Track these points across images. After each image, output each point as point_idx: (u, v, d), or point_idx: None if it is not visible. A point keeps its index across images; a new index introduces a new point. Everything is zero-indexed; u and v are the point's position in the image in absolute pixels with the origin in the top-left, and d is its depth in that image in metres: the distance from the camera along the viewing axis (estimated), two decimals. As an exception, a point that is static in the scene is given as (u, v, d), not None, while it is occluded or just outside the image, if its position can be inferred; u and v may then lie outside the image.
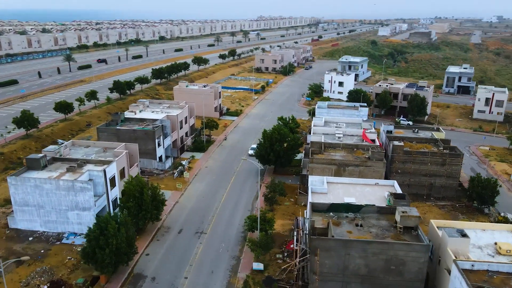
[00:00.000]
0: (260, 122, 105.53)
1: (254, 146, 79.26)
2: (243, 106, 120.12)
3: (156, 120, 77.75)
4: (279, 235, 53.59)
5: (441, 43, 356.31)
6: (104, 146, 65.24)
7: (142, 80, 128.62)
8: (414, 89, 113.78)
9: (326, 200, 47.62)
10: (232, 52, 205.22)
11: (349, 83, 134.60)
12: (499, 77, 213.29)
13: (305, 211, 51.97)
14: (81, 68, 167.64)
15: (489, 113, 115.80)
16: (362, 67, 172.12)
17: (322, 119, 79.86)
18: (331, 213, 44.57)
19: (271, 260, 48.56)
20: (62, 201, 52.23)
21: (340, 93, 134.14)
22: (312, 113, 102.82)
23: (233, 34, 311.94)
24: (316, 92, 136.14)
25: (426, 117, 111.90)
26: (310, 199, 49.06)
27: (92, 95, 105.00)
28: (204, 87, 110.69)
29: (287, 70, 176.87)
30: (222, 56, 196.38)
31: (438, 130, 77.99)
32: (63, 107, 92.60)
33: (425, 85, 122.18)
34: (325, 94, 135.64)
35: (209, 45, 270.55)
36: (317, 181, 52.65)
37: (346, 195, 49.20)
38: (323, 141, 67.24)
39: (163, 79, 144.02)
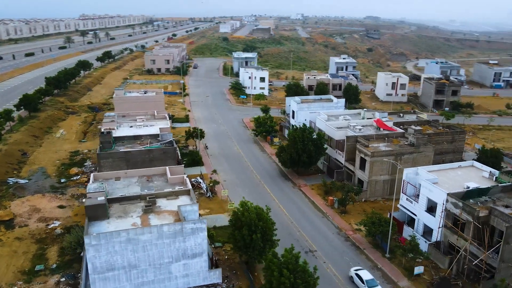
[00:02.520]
0: (219, 125, 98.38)
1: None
2: (187, 111, 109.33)
3: (156, 135, 65.15)
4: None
5: (280, 38, 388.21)
6: (144, 175, 51.80)
7: (42, 91, 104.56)
8: (342, 79, 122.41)
9: (438, 188, 47.74)
10: (108, 54, 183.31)
11: (267, 78, 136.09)
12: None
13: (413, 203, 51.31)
14: None
15: (395, 95, 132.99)
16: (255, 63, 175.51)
17: (323, 114, 79.20)
18: (470, 200, 45.64)
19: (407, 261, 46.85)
20: (164, 253, 39.69)
21: (262, 88, 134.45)
22: (283, 112, 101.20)
23: (83, 33, 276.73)
24: (238, 89, 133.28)
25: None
26: (423, 192, 49.12)
27: (7, 115, 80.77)
28: (145, 93, 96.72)
29: (184, 70, 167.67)
30: (100, 59, 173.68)
31: (414, 113, 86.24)
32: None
33: (344, 74, 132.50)
34: (247, 91, 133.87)
35: (60, 47, 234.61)
36: (412, 173, 52.67)
37: (449, 182, 50.53)
38: (356, 134, 67.14)
39: (61, 88, 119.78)
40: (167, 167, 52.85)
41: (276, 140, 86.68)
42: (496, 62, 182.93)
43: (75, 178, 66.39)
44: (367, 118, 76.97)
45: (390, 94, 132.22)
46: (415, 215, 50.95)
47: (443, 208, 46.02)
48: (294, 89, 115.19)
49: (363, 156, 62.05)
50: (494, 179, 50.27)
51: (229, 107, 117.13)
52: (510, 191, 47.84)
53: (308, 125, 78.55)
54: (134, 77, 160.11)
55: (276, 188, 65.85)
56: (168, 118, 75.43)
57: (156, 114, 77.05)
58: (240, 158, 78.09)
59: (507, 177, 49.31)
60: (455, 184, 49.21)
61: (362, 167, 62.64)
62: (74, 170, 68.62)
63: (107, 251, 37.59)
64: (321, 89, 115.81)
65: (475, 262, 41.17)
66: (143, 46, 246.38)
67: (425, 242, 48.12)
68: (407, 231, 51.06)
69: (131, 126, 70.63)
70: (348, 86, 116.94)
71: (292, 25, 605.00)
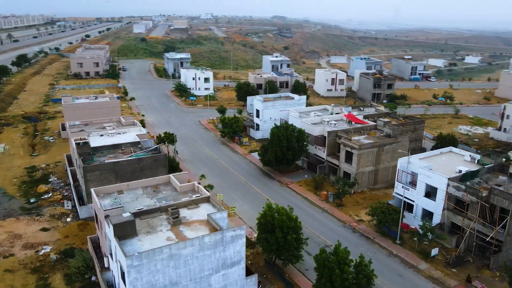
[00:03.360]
0: (178, 129, 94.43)
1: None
2: (141, 116, 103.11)
3: (137, 143, 61.04)
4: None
5: (198, 37, 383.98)
6: (147, 185, 48.14)
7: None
8: (289, 77, 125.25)
9: (438, 174, 51.48)
10: (24, 58, 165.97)
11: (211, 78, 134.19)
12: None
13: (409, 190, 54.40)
14: None
15: (335, 90, 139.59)
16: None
17: (295, 111, 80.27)
18: (467, 182, 49.90)
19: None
20: (205, 265, 37.46)
21: (207, 89, 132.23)
22: (239, 112, 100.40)
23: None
24: (183, 90, 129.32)
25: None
26: (422, 178, 52.62)
27: None
28: (96, 98, 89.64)
29: (116, 73, 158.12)
30: (16, 64, 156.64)
31: (371, 106, 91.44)
32: None
33: (289, 72, 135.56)
34: (193, 92, 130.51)
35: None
36: (404, 162, 55.85)
37: (441, 168, 54.65)
38: (336, 129, 69.36)
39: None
40: (171, 175, 49.73)
41: (245, 140, 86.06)
42: (410, 57, 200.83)
43: (46, 196, 59.36)
44: (336, 113, 79.92)
45: (330, 90, 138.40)
46: (413, 201, 54.31)
47: (446, 192, 49.72)
48: (245, 89, 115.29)
49: (349, 149, 64.36)
50: (476, 162, 55.50)
51: (180, 109, 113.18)
52: (494, 172, 53.38)
53: (278, 123, 79.50)
54: (61, 82, 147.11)
55: (265, 188, 65.49)
56: (137, 124, 70.77)
57: (124, 120, 71.95)
58: (215, 160, 76.19)
59: (488, 158, 54.78)
60: (446, 169, 53.26)
61: (348, 160, 64.93)
62: (43, 187, 61.37)
63: (149, 270, 34.37)
64: (270, 87, 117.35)
65: (487, 239, 45.13)
66: (57, 49, 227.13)
67: (418, 225, 51.41)
68: (409, 218, 54.19)
69: (101, 135, 65.19)
70: (296, 83, 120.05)
71: (206, 25, 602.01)
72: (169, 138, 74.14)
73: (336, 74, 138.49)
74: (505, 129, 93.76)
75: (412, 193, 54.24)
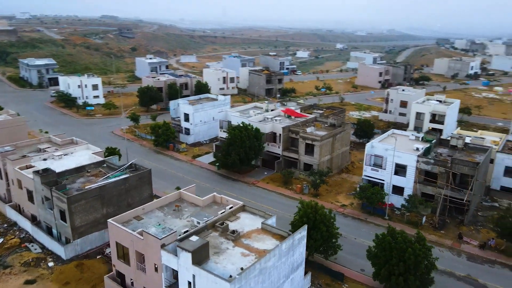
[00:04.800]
0: (95, 144, 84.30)
1: None
2: (44, 133, 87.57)
3: (101, 162, 53.71)
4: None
5: (32, 40, 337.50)
6: (162, 205, 43.43)
7: None
8: (188, 78, 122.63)
9: (408, 153, 59.43)
10: None
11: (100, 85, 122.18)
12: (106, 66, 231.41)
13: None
14: None
15: (226, 89, 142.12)
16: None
17: (234, 111, 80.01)
18: (429, 156, 58.88)
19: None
20: (281, 273, 36.56)
21: (97, 96, 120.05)
22: (154, 118, 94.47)
23: None
24: (69, 100, 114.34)
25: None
26: (391, 159, 59.88)
27: None
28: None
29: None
30: None
31: (290, 100, 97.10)
32: None
33: (183, 73, 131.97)
34: (80, 101, 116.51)
35: None
36: (380, 147, 61.74)
37: (398, 147, 62.81)
38: (286, 125, 72.37)
39: None
40: (181, 191, 45.88)
41: (183, 146, 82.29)
42: (275, 53, 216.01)
43: (-4, 243, 47.51)
44: (271, 110, 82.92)
45: (223, 88, 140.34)
46: (383, 181, 61.25)
47: (416, 167, 57.76)
48: (149, 93, 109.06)
49: (309, 142, 68.21)
50: (420, 139, 65.52)
51: (80, 122, 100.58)
52: (437, 146, 63.98)
53: (219, 125, 79.09)
54: None
55: (235, 190, 64.57)
56: (80, 143, 61.50)
57: (58, 140, 61.64)
58: (165, 171, 71.31)
59: (430, 136, 65.27)
60: (403, 149, 61.61)
61: (309, 152, 68.79)
62: (-14, 234, 48.72)
63: (246, 291, 32.21)
64: (174, 89, 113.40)
65: (464, 200, 54.30)
66: None
67: (404, 199, 58.95)
68: (392, 197, 60.59)
69: (44, 159, 55.08)
70: (199, 83, 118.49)
71: (29, 26, 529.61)
72: (115, 153, 66.29)
73: (227, 73, 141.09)
74: (390, 111, 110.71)
75: (382, 173, 61.14)
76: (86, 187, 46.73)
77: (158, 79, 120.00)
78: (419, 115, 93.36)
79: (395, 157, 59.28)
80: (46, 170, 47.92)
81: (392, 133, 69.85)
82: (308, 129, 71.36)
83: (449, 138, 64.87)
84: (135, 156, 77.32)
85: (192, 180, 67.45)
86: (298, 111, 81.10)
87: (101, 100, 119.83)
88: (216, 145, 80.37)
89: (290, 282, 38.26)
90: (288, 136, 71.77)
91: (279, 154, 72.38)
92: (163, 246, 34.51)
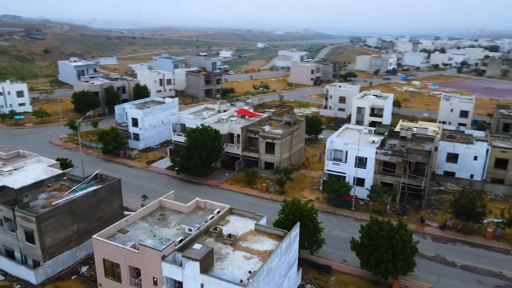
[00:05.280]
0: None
1: None
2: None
3: (61, 175, 49.78)
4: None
5: None
6: (143, 216, 41.37)
7: None
8: (125, 81, 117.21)
9: (368, 146, 62.77)
10: None
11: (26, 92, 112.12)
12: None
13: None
14: None
15: (164, 91, 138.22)
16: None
17: (187, 114, 78.05)
18: (384, 147, 62.76)
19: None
20: (282, 272, 36.81)
21: (22, 104, 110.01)
22: (95, 124, 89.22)
23: None
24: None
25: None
26: (352, 153, 62.83)
27: None
28: None
29: None
30: None
31: (237, 100, 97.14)
32: None
33: (118, 76, 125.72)
34: (5, 110, 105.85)
35: None
36: (340, 142, 64.08)
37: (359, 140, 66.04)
38: (244, 125, 72.49)
39: None
40: (161, 199, 44.08)
41: (135, 152, 78.63)
42: (206, 54, 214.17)
43: (-52, 275, 41.71)
44: (224, 111, 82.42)
45: (160, 91, 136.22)
46: (344, 174, 64.02)
47: (375, 159, 61.23)
48: (85, 98, 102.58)
49: (270, 141, 69.01)
50: (373, 132, 69.53)
51: (9, 133, 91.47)
52: (389, 138, 68.34)
53: (171, 128, 77.37)
54: None
55: (202, 194, 62.89)
56: (30, 155, 56.17)
57: (3, 153, 55.76)
58: (124, 181, 67.33)
59: (382, 129, 69.52)
60: (360, 142, 64.94)
61: (270, 151, 69.59)
62: None
63: (257, 294, 32.00)
64: (112, 94, 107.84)
65: (422, 186, 58.59)
66: None
67: (366, 189, 62.17)
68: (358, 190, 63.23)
69: (-6, 176, 49.68)
70: (137, 86, 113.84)
71: None
72: (67, 164, 61.45)
73: (163, 75, 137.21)
74: (330, 107, 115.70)
75: (343, 167, 63.86)
76: (53, 203, 42.94)
77: (93, 83, 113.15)
78: (360, 110, 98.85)
79: (355, 150, 62.25)
80: (3, 188, 43.33)
81: (346, 127, 73.18)
82: (265, 128, 72.13)
83: (399, 130, 69.57)
84: (84, 165, 72.43)
85: (153, 187, 64.97)
86: (251, 110, 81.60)
87: (28, 108, 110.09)
88: (170, 149, 78.09)
89: (287, 280, 38.71)
90: (247, 136, 71.96)
91: (239, 155, 72.30)
92: (163, 257, 32.99)
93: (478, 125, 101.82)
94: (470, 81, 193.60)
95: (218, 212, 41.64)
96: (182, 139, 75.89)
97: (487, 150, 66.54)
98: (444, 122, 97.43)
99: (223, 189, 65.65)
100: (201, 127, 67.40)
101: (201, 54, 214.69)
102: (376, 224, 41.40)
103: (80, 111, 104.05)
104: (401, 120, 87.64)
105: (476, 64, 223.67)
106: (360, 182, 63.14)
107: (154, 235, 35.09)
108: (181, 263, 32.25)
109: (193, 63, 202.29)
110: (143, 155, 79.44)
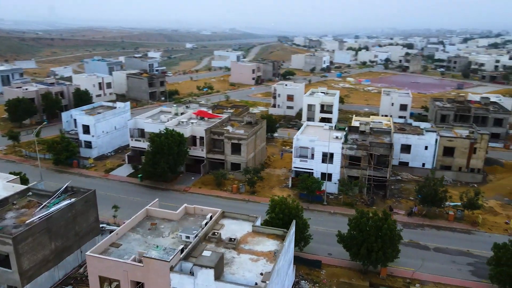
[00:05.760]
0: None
1: None
2: None
3: (25, 191, 45.79)
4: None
5: None
6: (132, 227, 39.36)
7: None
8: (64, 86, 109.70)
9: (335, 142, 65.04)
10: None
11: None
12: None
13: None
14: None
15: (104, 95, 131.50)
16: None
17: (145, 118, 74.99)
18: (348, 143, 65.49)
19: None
20: (285, 270, 37.06)
21: None
22: (37, 134, 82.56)
23: None
24: None
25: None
26: (318, 149, 64.79)
27: None
28: None
29: None
30: None
31: (190, 102, 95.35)
32: None
33: (53, 81, 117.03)
34: None
35: None
36: (305, 139, 65.41)
37: (322, 136, 68.07)
38: (207, 127, 71.49)
39: None
40: (148, 207, 42.21)
41: (90, 161, 74.03)
42: (140, 55, 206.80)
43: None
44: (181, 113, 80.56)
45: (100, 95, 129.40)
46: (312, 170, 65.74)
47: (342, 154, 63.64)
48: (21, 106, 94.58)
49: (236, 141, 68.77)
50: (333, 128, 72.17)
51: None
52: (350, 132, 71.34)
53: (129, 134, 74.62)
54: None
55: (172, 200, 61.25)
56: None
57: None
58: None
59: (342, 124, 72.38)
60: (323, 138, 67.09)
61: (236, 151, 69.33)
62: None
63: None
64: (52, 100, 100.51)
65: (388, 177, 61.91)
66: None
67: (334, 183, 64.36)
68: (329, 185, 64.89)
69: None
70: (77, 91, 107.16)
71: None
72: (22, 178, 56.27)
73: (103, 79, 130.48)
74: (279, 105, 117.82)
75: (311, 163, 65.56)
76: (26, 222, 39.28)
77: (26, 89, 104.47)
78: (310, 107, 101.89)
79: (321, 146, 64.21)
80: (-32, 209, 38.78)
81: (308, 125, 75.15)
82: (228, 129, 71.79)
83: (358, 125, 72.87)
84: (34, 179, 67.03)
85: (118, 196, 61.87)
86: (210, 112, 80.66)
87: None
88: (129, 156, 74.76)
89: (287, 278, 39.08)
90: (210, 138, 71.06)
91: (203, 157, 71.15)
92: (171, 268, 31.71)
93: (415, 117, 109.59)
94: (396, 77, 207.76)
95: (211, 217, 40.80)
96: (142, 144, 73.14)
97: (436, 140, 72.08)
98: (386, 116, 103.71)
99: (193, 193, 64.28)
100: (165, 131, 65.28)
101: (135, 56, 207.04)
102: (364, 216, 43.17)
103: (16, 120, 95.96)
104: (354, 115, 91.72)
105: (400, 61, 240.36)
106: (328, 177, 65.21)
107: (157, 246, 33.54)
108: (192, 272, 31.25)
109: (127, 65, 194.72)
110: (99, 163, 75.17)
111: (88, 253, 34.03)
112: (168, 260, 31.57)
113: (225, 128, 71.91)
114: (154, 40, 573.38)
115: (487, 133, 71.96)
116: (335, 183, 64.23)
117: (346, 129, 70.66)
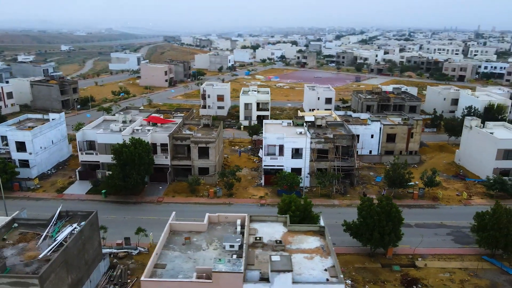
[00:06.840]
0: None
1: None
2: None
3: (11, 222, 39.48)
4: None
5: None
6: (163, 244, 36.58)
7: None
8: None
9: (302, 138, 67.40)
10: None
11: None
12: None
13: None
14: None
15: (5, 107, 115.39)
16: None
17: (96, 130, 68.16)
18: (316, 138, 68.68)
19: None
20: (327, 264, 38.11)
21: None
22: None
23: None
24: None
25: None
26: (288, 145, 66.74)
27: None
28: None
29: None
30: None
31: (127, 108, 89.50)
32: None
33: None
34: None
35: None
36: (273, 137, 66.51)
37: (285, 133, 69.93)
38: (169, 133, 68.32)
39: None
40: (170, 223, 39.44)
41: (36, 182, 65.06)
42: (31, 60, 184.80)
43: None
44: (129, 121, 75.31)
45: (0, 106, 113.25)
46: (282, 166, 67.37)
47: (311, 148, 66.45)
48: None
49: (203, 145, 66.98)
50: (292, 124, 74.76)
51: None
52: (309, 127, 74.62)
53: (79, 147, 68.47)
54: None
55: (151, 214, 57.68)
56: None
57: None
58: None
59: (300, 120, 75.22)
60: (287, 134, 69.28)
61: (203, 155, 67.50)
62: None
63: (340, 289, 32.89)
64: None
65: (357, 166, 66.22)
66: None
67: (307, 177, 66.87)
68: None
69: None
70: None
71: None
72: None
73: (2, 88, 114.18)
74: (209, 106, 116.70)
75: (281, 159, 67.15)
76: (39, 257, 33.88)
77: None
78: (247, 106, 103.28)
79: (290, 143, 66.27)
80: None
81: (265, 123, 76.29)
82: (195, 133, 69.64)
83: (313, 120, 76.45)
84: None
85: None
86: (162, 117, 76.92)
87: None
88: (80, 172, 67.69)
89: (322, 272, 40.16)
90: (173, 144, 68.06)
91: (167, 165, 67.83)
92: (244, 279, 30.64)
93: (339, 109, 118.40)
94: (298, 72, 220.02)
95: (240, 223, 39.89)
96: (94, 158, 66.88)
97: (380, 128, 79.36)
98: (312, 109, 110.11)
99: (169, 203, 61.10)
100: (131, 141, 60.70)
101: (24, 60, 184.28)
102: (372, 203, 46.27)
103: None
104: (298, 111, 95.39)
105: (298, 57, 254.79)
106: (298, 171, 67.52)
107: (220, 259, 31.89)
108: (269, 279, 30.61)
109: (15, 72, 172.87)
110: (44, 183, 66.56)
111: (142, 278, 30.90)
112: (242, 271, 30.41)
113: (188, 133, 69.48)
114: (20, 43, 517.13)
115: (420, 119, 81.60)
116: (307, 176, 66.84)
117: (305, 124, 73.73)
